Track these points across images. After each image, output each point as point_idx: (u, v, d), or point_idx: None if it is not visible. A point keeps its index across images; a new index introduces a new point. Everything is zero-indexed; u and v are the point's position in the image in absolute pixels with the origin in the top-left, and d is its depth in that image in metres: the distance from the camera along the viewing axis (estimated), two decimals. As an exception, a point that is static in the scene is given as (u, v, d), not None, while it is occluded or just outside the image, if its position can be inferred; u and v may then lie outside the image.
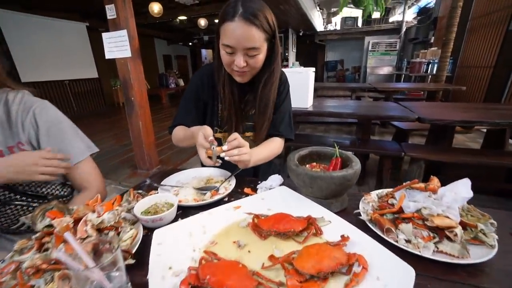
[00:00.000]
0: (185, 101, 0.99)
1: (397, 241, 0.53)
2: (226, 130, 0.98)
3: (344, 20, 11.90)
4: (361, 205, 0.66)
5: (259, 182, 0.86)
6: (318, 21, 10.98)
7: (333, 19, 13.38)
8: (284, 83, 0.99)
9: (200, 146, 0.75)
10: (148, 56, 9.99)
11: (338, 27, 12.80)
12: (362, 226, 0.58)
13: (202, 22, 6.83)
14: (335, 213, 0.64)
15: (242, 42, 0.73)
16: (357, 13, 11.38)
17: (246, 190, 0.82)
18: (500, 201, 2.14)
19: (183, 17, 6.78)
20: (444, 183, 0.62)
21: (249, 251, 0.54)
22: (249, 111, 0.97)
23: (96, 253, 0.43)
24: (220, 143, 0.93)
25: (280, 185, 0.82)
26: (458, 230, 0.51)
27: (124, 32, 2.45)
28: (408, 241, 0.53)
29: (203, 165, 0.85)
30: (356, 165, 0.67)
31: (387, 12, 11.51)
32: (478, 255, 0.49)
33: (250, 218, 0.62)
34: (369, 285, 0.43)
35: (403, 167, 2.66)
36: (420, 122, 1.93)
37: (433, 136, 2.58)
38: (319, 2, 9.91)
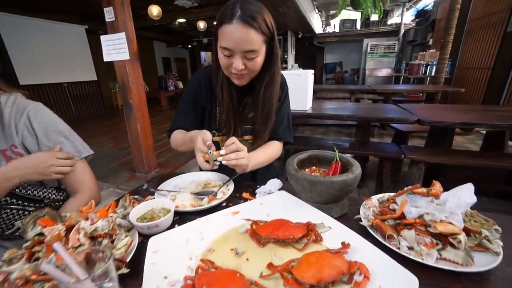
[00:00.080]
0: (183, 104, 0.98)
1: (399, 248, 0.52)
2: (224, 133, 0.97)
3: (343, 22, 11.94)
4: (361, 210, 0.65)
5: (258, 186, 0.84)
6: (317, 23, 11.02)
7: (332, 22, 13.41)
8: (283, 86, 0.98)
9: (198, 151, 0.74)
10: (147, 59, 10.00)
11: (336, 30, 12.84)
12: (363, 232, 0.57)
13: (201, 24, 6.85)
14: (335, 218, 0.63)
15: (240, 44, 0.72)
16: (356, 15, 11.43)
17: (245, 195, 0.81)
18: (500, 203, 2.12)
19: (182, 20, 6.80)
20: (444, 185, 0.61)
21: (247, 259, 0.52)
22: (248, 114, 0.96)
23: (89, 262, 0.41)
24: (218, 147, 0.92)
25: (279, 189, 0.81)
26: (462, 236, 0.49)
27: (122, 35, 2.44)
28: (410, 248, 0.52)
29: (201, 169, 0.84)
30: (357, 169, 0.66)
31: (386, 14, 11.56)
32: (482, 262, 0.48)
33: (249, 224, 0.60)
34: (371, 295, 0.42)
35: (402, 169, 2.65)
36: (419, 124, 1.92)
37: (432, 138, 2.58)
38: (317, 5, 9.94)
